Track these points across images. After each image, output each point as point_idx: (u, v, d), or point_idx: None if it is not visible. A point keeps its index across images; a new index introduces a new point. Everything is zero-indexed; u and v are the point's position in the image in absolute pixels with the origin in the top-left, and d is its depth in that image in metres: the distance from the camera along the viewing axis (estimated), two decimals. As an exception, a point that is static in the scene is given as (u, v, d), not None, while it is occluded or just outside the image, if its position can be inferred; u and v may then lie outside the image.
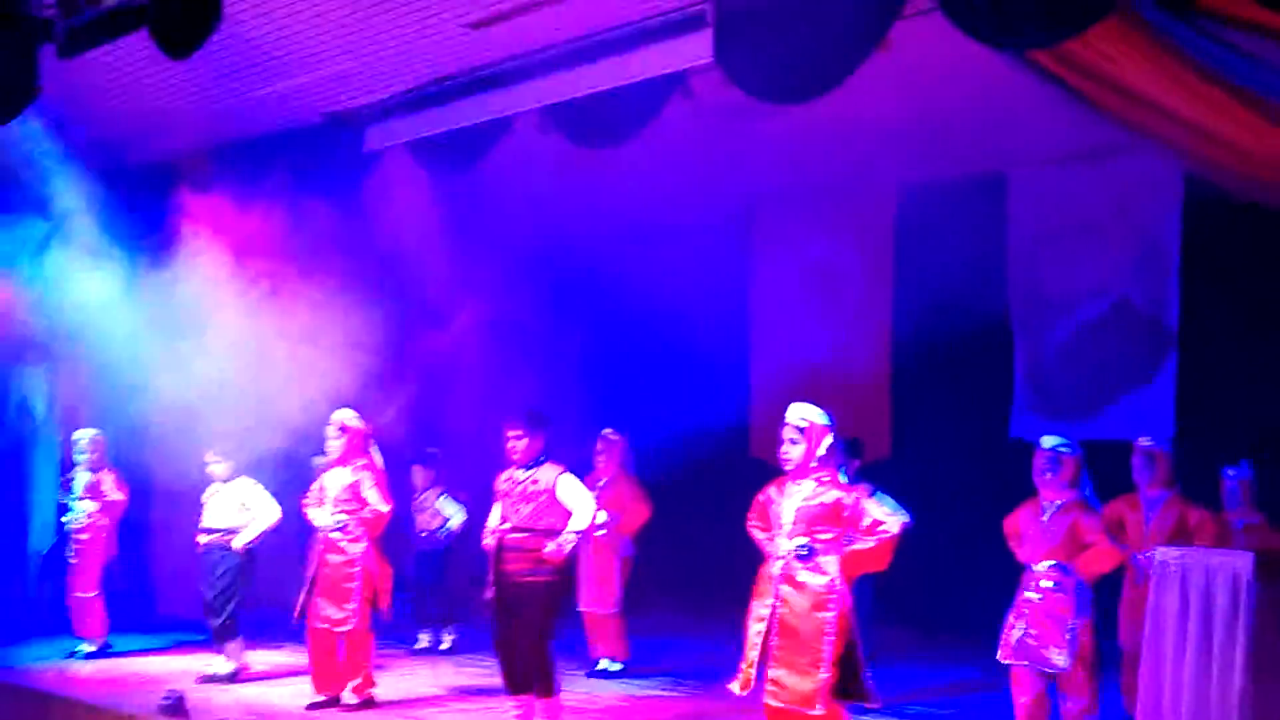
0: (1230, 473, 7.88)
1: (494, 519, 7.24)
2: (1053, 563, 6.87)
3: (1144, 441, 7.84)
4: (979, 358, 10.72)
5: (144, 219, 10.66)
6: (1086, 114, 6.46)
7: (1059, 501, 6.98)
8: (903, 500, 8.43)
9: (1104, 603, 7.40)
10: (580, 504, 7.01)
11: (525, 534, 6.98)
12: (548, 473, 7.08)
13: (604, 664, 9.35)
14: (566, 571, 7.20)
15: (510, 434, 7.13)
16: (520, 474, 7.12)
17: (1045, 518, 7.00)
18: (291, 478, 9.33)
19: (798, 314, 12.08)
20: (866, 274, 11.60)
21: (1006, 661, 6.96)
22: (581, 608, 9.32)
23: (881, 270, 11.53)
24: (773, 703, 5.74)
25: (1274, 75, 5.85)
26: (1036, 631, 6.82)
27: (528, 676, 6.93)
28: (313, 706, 7.89)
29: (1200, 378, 9.68)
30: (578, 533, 6.97)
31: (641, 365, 12.73)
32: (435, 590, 10.55)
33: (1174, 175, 9.24)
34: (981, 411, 10.85)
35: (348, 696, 7.93)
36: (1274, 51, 5.74)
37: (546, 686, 6.92)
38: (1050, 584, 6.85)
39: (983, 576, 8.50)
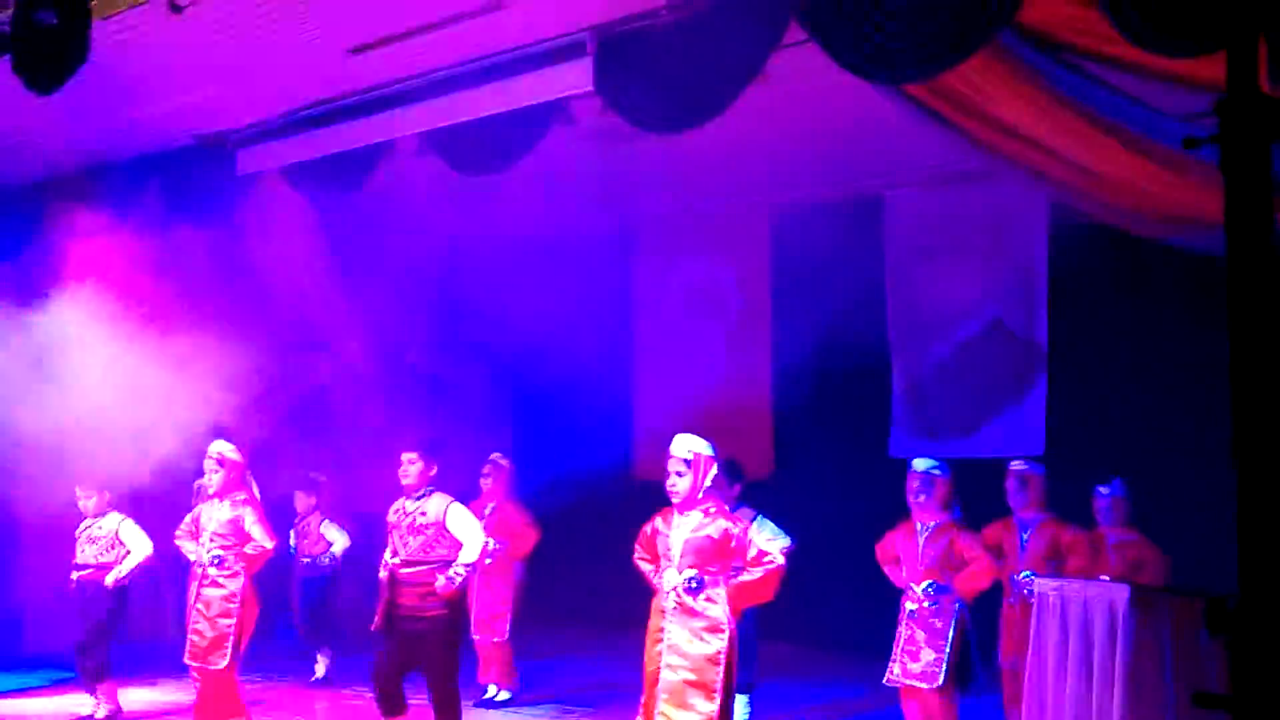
0: (1103, 490, 8.09)
1: (388, 552, 7.14)
2: (930, 583, 7.01)
3: (1016, 465, 8.03)
4: (858, 377, 10.87)
5: (8, 244, 10.32)
6: (958, 141, 6.62)
7: (934, 523, 7.13)
8: (785, 520, 8.57)
9: (981, 621, 7.59)
10: (470, 535, 6.96)
11: (416, 568, 6.91)
12: (437, 503, 7.03)
13: (491, 691, 9.27)
14: (459, 604, 7.14)
15: (405, 458, 7.07)
16: (410, 504, 7.06)
17: (921, 540, 7.15)
18: (166, 512, 9.10)
19: (680, 335, 12.15)
20: (746, 295, 11.71)
21: (893, 684, 7.08)
22: (472, 636, 9.24)
23: (760, 291, 11.65)
24: None
25: (1133, 106, 6.06)
26: (915, 648, 6.95)
27: (397, 700, 6.84)
28: None
29: (1070, 397, 9.95)
30: (468, 566, 6.91)
31: (525, 388, 12.71)
32: (317, 616, 10.35)
33: (1041, 200, 9.49)
34: (861, 431, 11.03)
35: None
36: (1133, 84, 5.95)
37: (450, 720, 6.86)
38: (929, 603, 6.99)
39: (865, 595, 8.65)
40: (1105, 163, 6.32)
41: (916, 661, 6.97)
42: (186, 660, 7.82)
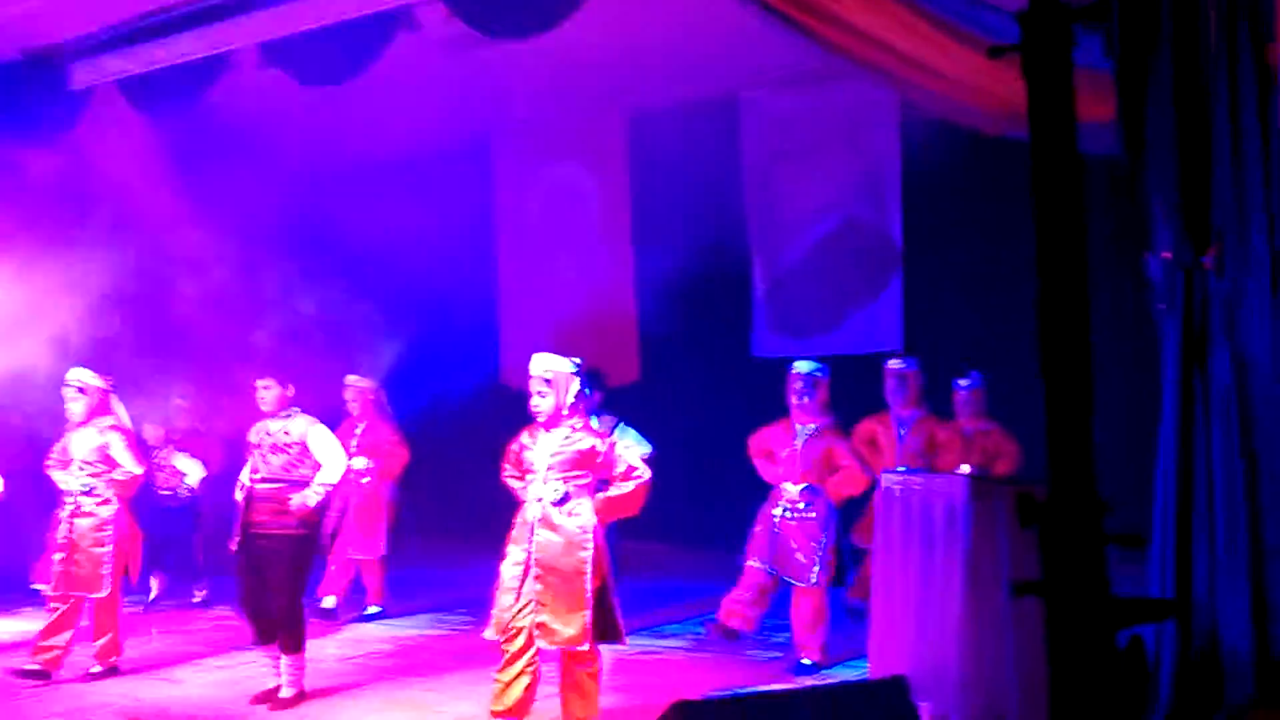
0: (961, 383, 8.32)
1: (245, 471, 7.04)
2: (805, 485, 7.16)
3: (894, 364, 8.21)
4: (720, 280, 10.95)
5: None
6: (806, 42, 6.64)
7: (814, 425, 7.24)
8: (652, 425, 8.67)
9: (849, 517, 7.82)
10: (331, 456, 6.90)
11: (275, 485, 6.83)
12: (299, 424, 6.96)
13: (371, 609, 9.28)
14: (315, 525, 7.08)
15: (260, 384, 6.96)
16: (273, 425, 6.97)
17: (799, 442, 7.26)
18: (29, 440, 8.86)
19: (542, 245, 12.10)
20: (606, 202, 11.68)
21: (754, 565, 7.23)
22: (351, 555, 9.24)
23: (620, 197, 11.63)
24: (543, 645, 5.82)
25: (966, 3, 6.14)
26: (788, 546, 7.11)
27: (273, 629, 6.82)
28: (18, 672, 7.48)
29: (925, 292, 10.16)
30: (325, 485, 6.85)
31: (389, 304, 12.54)
32: (181, 545, 10.21)
33: (892, 99, 9.58)
34: (725, 333, 11.14)
35: (92, 664, 7.62)
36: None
37: (293, 642, 6.81)
38: (803, 505, 7.14)
39: (730, 492, 8.81)
40: (944, 60, 6.40)
41: (791, 562, 7.13)
42: (54, 590, 7.62)
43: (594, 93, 10.62)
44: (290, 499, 6.75)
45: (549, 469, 5.86)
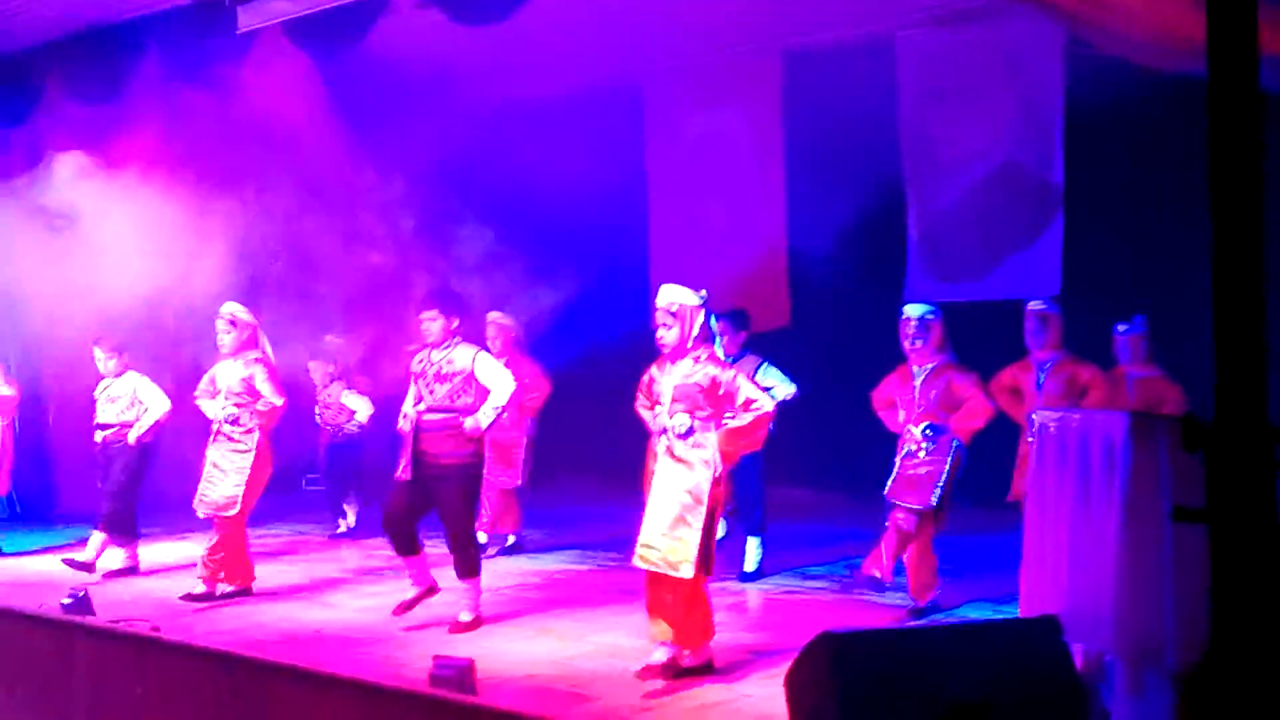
0: (1121, 328, 8.05)
1: (409, 401, 7.20)
2: (927, 424, 7.05)
3: (1035, 305, 7.98)
4: (873, 223, 10.76)
5: (10, 111, 10.25)
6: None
7: (930, 365, 7.14)
8: (802, 369, 8.60)
9: (1001, 461, 7.64)
10: (499, 381, 7.02)
11: (442, 414, 6.97)
12: (464, 352, 7.07)
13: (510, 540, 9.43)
14: (481, 451, 7.21)
15: (424, 315, 7.08)
16: (435, 354, 7.09)
17: (918, 383, 7.17)
18: (186, 370, 9.22)
19: (694, 189, 12.04)
20: (759, 145, 11.56)
21: (891, 499, 7.16)
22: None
23: (773, 141, 11.50)
24: (642, 565, 5.87)
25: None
26: (909, 475, 7.03)
27: (413, 541, 6.98)
28: (187, 597, 7.84)
29: (1086, 237, 9.85)
30: (497, 408, 6.98)
31: (538, 243, 12.64)
32: (353, 482, 10.52)
33: (1057, 35, 9.27)
34: (877, 277, 10.96)
35: (222, 587, 7.93)
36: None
37: (468, 567, 6.99)
38: (927, 444, 7.04)
39: (881, 439, 8.68)
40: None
41: (912, 486, 7.05)
42: (200, 511, 7.98)
43: (749, 33, 10.50)
44: (463, 423, 6.89)
45: (674, 401, 5.88)
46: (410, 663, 6.06)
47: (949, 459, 7.02)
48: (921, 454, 7.06)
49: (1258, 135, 2.69)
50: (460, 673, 5.42)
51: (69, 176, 9.69)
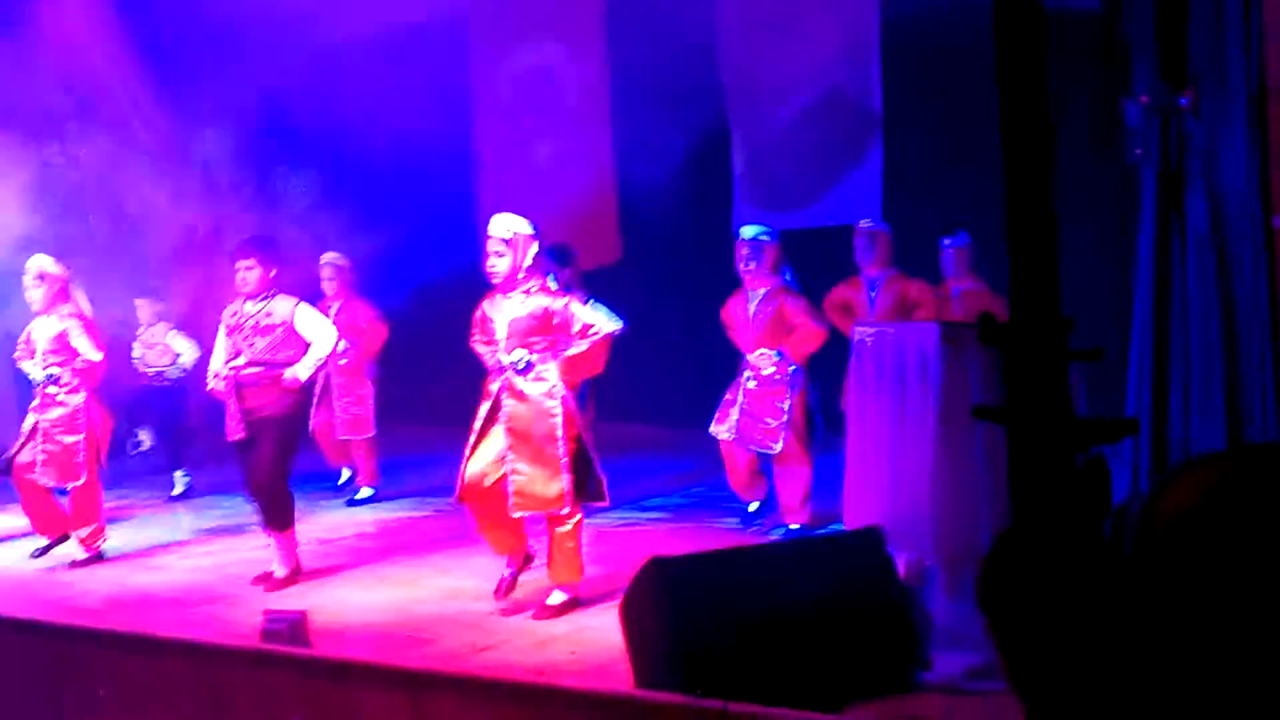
0: (947, 241, 8.23)
1: (219, 357, 6.96)
2: (763, 350, 7.11)
3: (864, 224, 8.12)
4: (699, 155, 10.77)
5: None
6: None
7: (764, 290, 7.20)
8: (635, 304, 8.58)
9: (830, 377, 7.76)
10: (320, 333, 6.83)
11: (263, 368, 6.76)
12: (282, 304, 6.85)
13: (363, 492, 9.29)
14: (303, 403, 7.04)
15: (241, 264, 6.82)
16: (251, 307, 6.84)
17: (752, 307, 7.23)
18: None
19: (520, 124, 11.89)
20: (583, 79, 11.46)
21: (721, 437, 7.23)
22: (339, 437, 9.28)
23: (597, 75, 11.42)
24: (520, 514, 5.82)
25: None
26: (753, 413, 7.09)
27: (268, 512, 6.80)
28: (41, 552, 7.59)
29: (906, 161, 10.01)
30: (318, 359, 6.80)
31: (365, 183, 12.36)
32: (170, 432, 10.14)
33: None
34: (705, 208, 11.00)
35: (77, 551, 7.64)
36: None
37: (280, 520, 6.81)
38: (767, 370, 7.10)
39: (715, 371, 8.75)
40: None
41: (756, 430, 7.11)
42: (34, 477, 7.63)
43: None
44: (282, 375, 6.70)
45: (509, 336, 5.81)
46: (243, 621, 5.91)
47: (790, 393, 7.08)
48: (756, 386, 7.11)
49: (1040, 45, 2.73)
50: (292, 626, 5.31)
51: None
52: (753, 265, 7.16)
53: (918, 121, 10.01)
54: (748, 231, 7.29)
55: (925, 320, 7.50)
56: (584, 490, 5.86)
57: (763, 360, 7.10)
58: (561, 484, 5.74)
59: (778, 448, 7.01)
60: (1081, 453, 2.46)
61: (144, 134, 10.69)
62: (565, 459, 5.76)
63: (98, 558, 7.64)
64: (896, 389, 4.48)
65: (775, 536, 6.98)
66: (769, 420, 7.07)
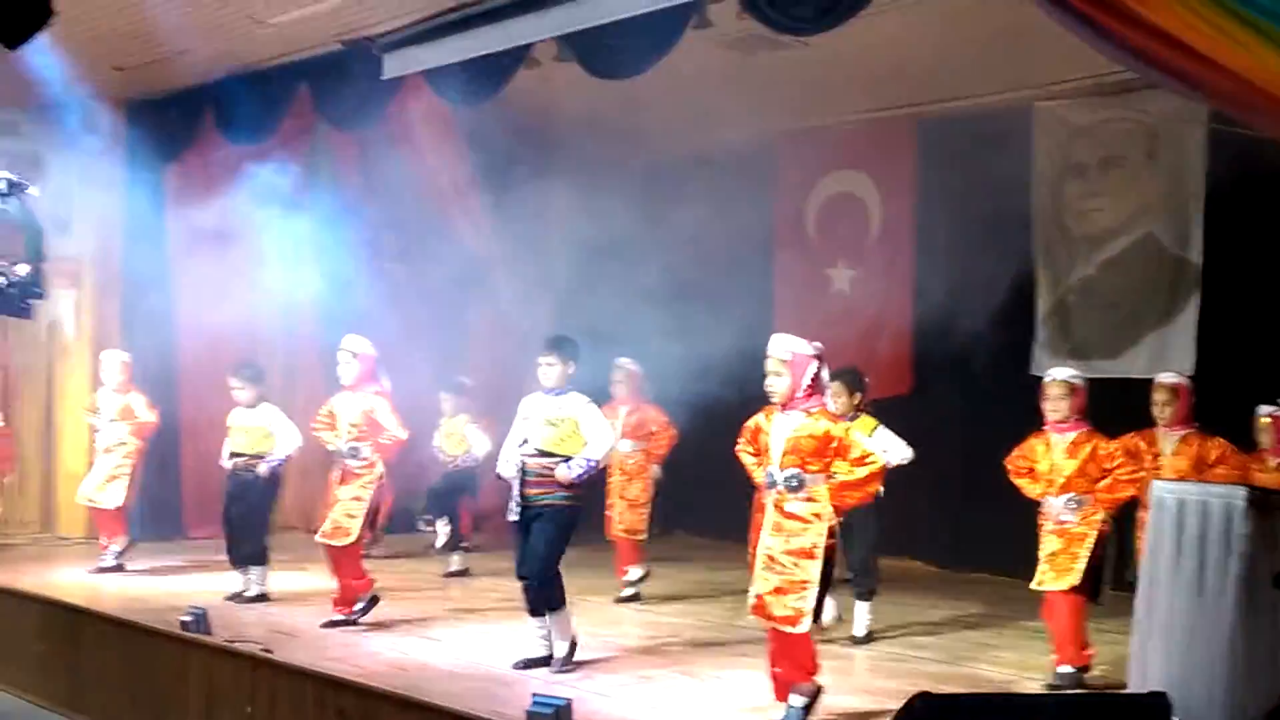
0: (1263, 409, 7.84)
1: (511, 443, 7.29)
2: (1071, 495, 6.86)
3: (1165, 376, 7.83)
4: (1002, 294, 10.60)
5: (171, 142, 10.77)
6: (1111, 49, 6.38)
7: (1072, 434, 6.96)
8: (921, 437, 8.47)
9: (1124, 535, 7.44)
10: (598, 435, 7.06)
11: (545, 458, 7.04)
12: (574, 401, 7.14)
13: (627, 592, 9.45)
14: (582, 498, 7.25)
15: (543, 360, 7.17)
16: (547, 400, 7.17)
17: (1058, 451, 6.98)
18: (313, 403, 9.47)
19: (822, 247, 12.04)
20: (889, 211, 11.55)
21: (1039, 588, 6.99)
22: (611, 535, 9.50)
23: (903, 207, 11.47)
24: (762, 622, 5.85)
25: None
26: (1061, 559, 6.84)
27: (536, 596, 7.04)
28: (328, 624, 8.05)
29: (1223, 317, 9.60)
30: (590, 460, 7.01)
31: (665, 303, 12.73)
32: (452, 512, 10.68)
33: (1199, 112, 9.11)
34: (1003, 350, 10.77)
35: (332, 612, 8.11)
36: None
37: (549, 600, 7.02)
38: (1068, 516, 6.85)
39: (1001, 514, 8.52)
40: (1263, 71, 6.03)
41: (1055, 568, 6.88)
42: (319, 538, 8.16)
43: (883, 98, 10.53)
44: (556, 470, 6.97)
45: (784, 453, 5.85)
46: (511, 700, 6.09)
47: (1094, 534, 6.82)
48: (1059, 530, 6.89)
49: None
50: (557, 711, 5.45)
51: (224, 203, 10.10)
52: (1061, 406, 6.96)
53: (1238, 280, 9.60)
54: (1060, 373, 7.11)
55: (1229, 481, 7.11)
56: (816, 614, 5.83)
57: (1069, 507, 6.86)
58: (805, 604, 5.72)
59: (1074, 583, 6.73)
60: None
61: (476, 241, 11.42)
62: (815, 581, 5.74)
63: (349, 622, 8.05)
64: (1196, 553, 4.29)
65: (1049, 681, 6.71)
66: (1066, 560, 6.80)
